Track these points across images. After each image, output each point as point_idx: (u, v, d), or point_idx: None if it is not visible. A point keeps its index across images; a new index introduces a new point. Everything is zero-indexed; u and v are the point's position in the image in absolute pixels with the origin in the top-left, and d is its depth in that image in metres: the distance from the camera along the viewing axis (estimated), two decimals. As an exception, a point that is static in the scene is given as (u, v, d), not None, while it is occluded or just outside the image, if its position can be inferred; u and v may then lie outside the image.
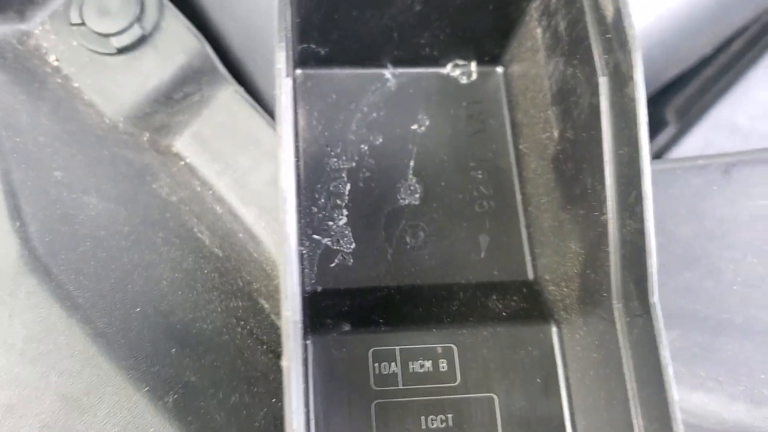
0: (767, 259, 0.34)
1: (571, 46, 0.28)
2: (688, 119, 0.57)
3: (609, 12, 0.25)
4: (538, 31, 0.31)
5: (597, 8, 0.26)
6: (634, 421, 0.25)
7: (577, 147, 0.28)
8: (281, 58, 0.23)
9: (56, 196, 0.30)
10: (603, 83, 0.26)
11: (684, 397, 0.33)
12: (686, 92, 0.59)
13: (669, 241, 0.34)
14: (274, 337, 0.32)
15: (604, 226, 0.26)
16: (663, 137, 0.59)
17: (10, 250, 0.28)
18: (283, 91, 0.23)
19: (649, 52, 0.48)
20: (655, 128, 0.58)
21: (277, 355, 0.31)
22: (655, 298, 0.24)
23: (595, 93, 0.26)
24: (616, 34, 0.25)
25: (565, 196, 0.29)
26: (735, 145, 0.54)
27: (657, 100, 0.59)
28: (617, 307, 0.26)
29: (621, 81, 0.25)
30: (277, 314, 0.33)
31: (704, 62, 0.58)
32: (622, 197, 0.26)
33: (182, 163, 0.35)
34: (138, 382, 0.28)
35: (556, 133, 0.30)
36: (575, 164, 0.28)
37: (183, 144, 0.35)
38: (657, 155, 0.58)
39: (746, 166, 0.35)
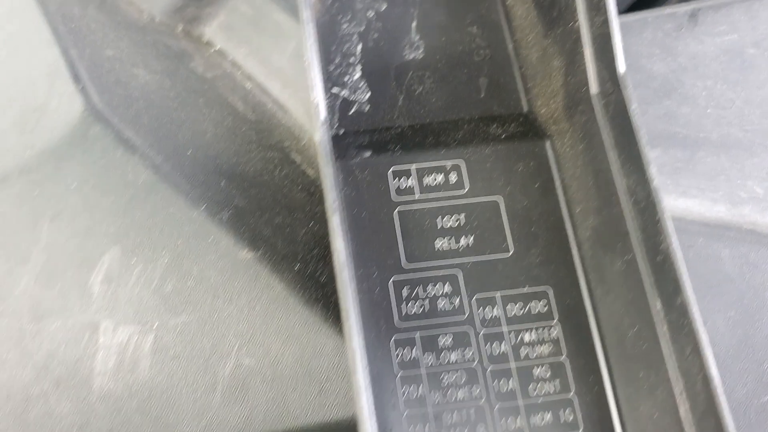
0: (735, 86, 0.38)
1: None
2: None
3: None
4: None
5: None
6: (618, 185, 0.29)
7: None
8: None
9: (110, 68, 0.35)
10: None
11: (670, 204, 0.37)
12: None
13: (646, 77, 0.39)
14: (307, 181, 0.36)
15: (578, 30, 0.31)
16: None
17: (77, 106, 0.33)
18: None
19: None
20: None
21: (311, 193, 0.36)
22: (621, 69, 0.29)
23: None
24: None
25: (546, 24, 0.34)
26: None
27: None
28: (594, 95, 0.31)
29: None
30: (308, 165, 0.38)
31: None
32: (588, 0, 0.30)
33: (213, 49, 0.40)
34: (196, 202, 0.32)
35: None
36: (550, -10, 0.33)
37: (213, 33, 0.40)
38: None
39: (710, 9, 0.40)
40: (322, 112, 0.30)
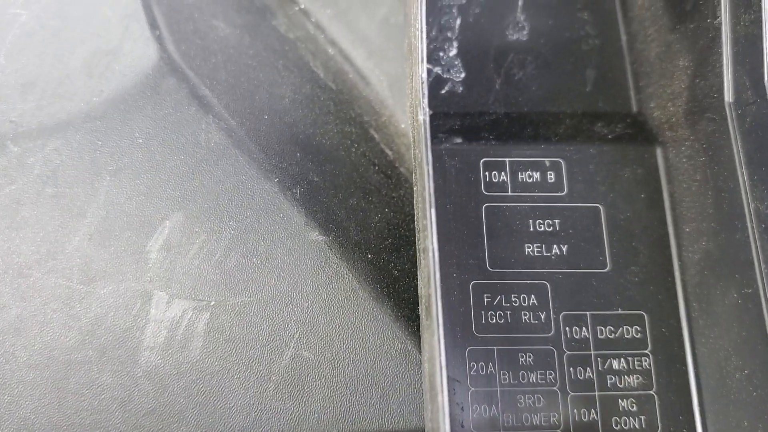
0: None
1: None
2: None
3: None
4: None
5: None
6: (746, 208, 0.26)
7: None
8: None
9: (188, 15, 0.32)
10: None
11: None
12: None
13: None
14: (384, 162, 0.33)
15: (718, 28, 0.27)
16: None
17: (151, 53, 0.30)
18: None
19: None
20: None
21: (388, 176, 0.33)
22: (770, 80, 0.25)
23: None
24: None
25: (674, 18, 0.30)
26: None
27: None
28: (729, 103, 0.27)
29: None
30: (386, 144, 0.34)
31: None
32: (737, -4, 0.27)
33: (297, 7, 0.37)
34: (269, 173, 0.30)
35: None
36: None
37: (298, -11, 0.37)
38: None
39: None
40: (426, 89, 0.26)
